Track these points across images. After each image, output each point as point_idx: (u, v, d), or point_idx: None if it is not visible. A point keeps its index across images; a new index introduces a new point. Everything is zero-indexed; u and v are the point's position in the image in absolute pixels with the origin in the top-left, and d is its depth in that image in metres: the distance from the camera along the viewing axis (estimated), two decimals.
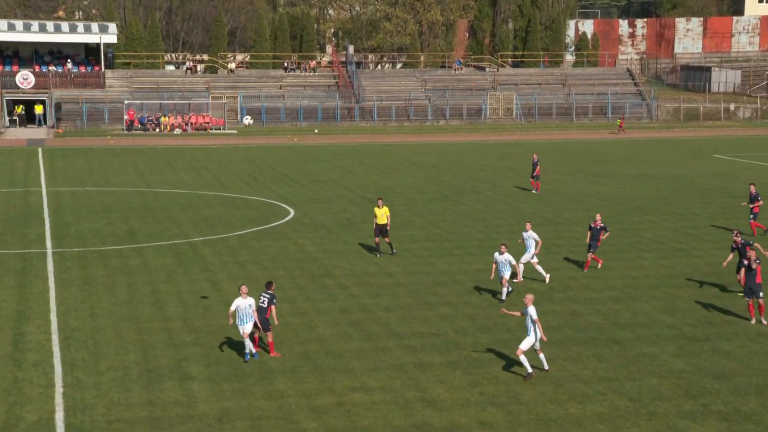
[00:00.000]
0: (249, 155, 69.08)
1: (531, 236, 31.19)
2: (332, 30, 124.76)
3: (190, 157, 67.78)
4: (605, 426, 19.09)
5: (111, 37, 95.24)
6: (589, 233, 32.72)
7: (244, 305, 22.80)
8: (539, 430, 18.93)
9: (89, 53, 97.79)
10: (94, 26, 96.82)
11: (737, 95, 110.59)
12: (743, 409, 19.92)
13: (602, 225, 32.56)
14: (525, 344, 21.73)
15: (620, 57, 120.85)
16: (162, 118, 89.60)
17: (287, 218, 42.57)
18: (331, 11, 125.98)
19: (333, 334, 25.27)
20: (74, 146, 74.12)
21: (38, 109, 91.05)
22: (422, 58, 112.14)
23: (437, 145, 77.50)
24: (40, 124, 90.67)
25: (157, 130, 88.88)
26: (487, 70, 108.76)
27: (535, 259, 31.13)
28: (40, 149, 71.89)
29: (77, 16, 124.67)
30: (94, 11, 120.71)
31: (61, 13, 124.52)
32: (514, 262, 28.63)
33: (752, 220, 38.83)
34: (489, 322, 26.33)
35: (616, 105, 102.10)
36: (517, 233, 38.93)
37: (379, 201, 34.80)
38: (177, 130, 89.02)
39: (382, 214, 34.11)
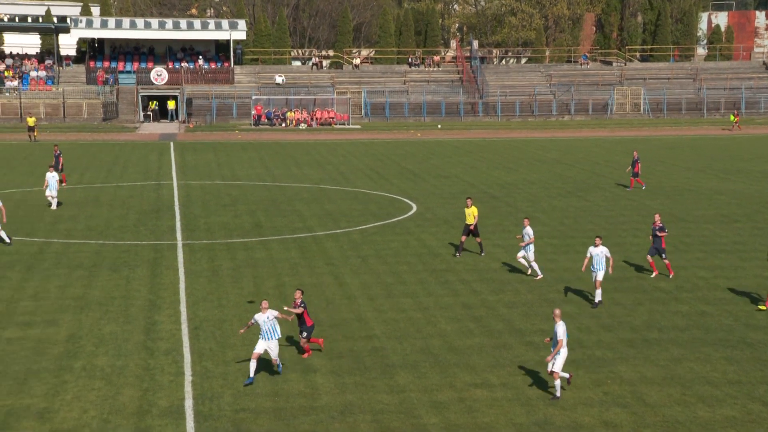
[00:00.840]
0: (372, 150, 69.61)
1: (527, 232, 30.57)
2: (457, 25, 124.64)
3: (314, 151, 68.75)
4: (736, 430, 18.54)
5: (240, 34, 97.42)
6: (651, 236, 31.05)
7: (263, 319, 21.31)
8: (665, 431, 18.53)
9: (219, 50, 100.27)
10: (225, 23, 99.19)
11: None
12: None
13: (661, 225, 30.80)
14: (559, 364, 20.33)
15: (756, 50, 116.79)
16: (288, 114, 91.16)
17: (409, 213, 42.73)
18: (456, 6, 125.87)
19: (455, 330, 25.27)
20: (204, 140, 76.12)
21: (171, 105, 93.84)
22: (547, 53, 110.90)
23: (561, 141, 76.54)
24: (172, 119, 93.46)
25: (283, 125, 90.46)
26: (614, 64, 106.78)
27: (522, 253, 30.79)
28: (171, 143, 74.08)
29: (209, 14, 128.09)
30: (224, 8, 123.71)
31: (193, 10, 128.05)
32: (609, 254, 27.65)
33: None
34: (613, 321, 25.88)
35: (750, 100, 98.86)
36: (642, 230, 38.17)
37: (468, 201, 34.00)
38: (302, 125, 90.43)
39: (470, 214, 33.39)
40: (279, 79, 39.05)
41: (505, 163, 61.15)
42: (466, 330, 25.24)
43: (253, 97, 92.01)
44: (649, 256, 30.78)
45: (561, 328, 20.40)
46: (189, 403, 19.95)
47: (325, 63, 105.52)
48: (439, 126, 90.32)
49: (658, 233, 30.55)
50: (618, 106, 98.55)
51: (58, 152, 49.90)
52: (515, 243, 35.98)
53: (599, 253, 27.37)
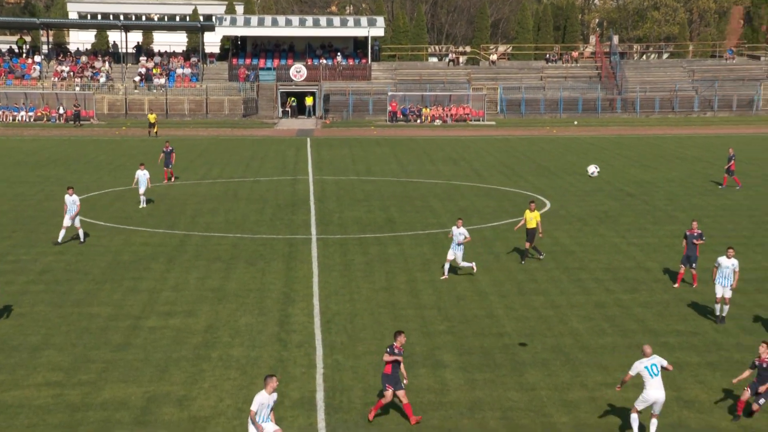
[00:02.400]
0: (507, 146, 69.23)
1: (462, 233, 29.68)
2: (597, 20, 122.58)
3: (448, 147, 68.84)
4: None
5: (378, 31, 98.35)
6: (684, 242, 29.21)
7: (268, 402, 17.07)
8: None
9: (357, 46, 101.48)
10: (363, 20, 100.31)
11: None
12: None
13: (699, 232, 29.02)
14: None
15: None
16: (423, 110, 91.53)
17: (543, 210, 42.33)
18: (596, 1, 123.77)
19: (587, 329, 24.97)
20: (339, 136, 77.22)
21: (308, 101, 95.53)
22: (691, 48, 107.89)
23: (703, 138, 74.38)
24: (309, 115, 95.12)
25: (418, 121, 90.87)
26: (762, 59, 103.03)
27: (452, 252, 29.77)
28: (308, 139, 75.44)
29: (348, 11, 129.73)
30: (363, 5, 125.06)
31: (333, 8, 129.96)
32: (737, 268, 25.21)
33: None
34: (753, 324, 25.09)
35: None
36: None
37: (532, 204, 32.60)
38: (437, 121, 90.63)
39: (532, 218, 32.07)
40: (593, 170, 36.40)
41: (642, 161, 59.86)
42: (599, 329, 24.92)
43: (389, 93, 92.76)
44: (682, 266, 29.04)
45: (658, 359, 18.37)
46: (320, 395, 20.36)
47: (461, 59, 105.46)
48: (576, 122, 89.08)
49: (694, 241, 28.79)
50: (765, 102, 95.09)
51: (170, 148, 51.08)
52: (652, 242, 35.30)
53: (729, 265, 25.16)
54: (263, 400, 16.78)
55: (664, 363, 18.24)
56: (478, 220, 39.90)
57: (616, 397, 20.15)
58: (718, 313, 25.26)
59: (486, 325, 25.31)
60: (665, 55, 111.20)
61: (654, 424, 18.05)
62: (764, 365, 18.84)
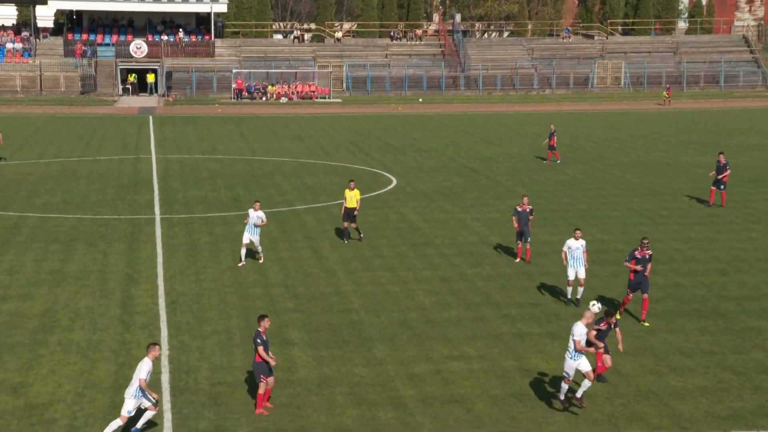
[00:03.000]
0: (353, 124, 69.48)
1: (260, 216, 28.61)
2: None
3: (294, 125, 68.55)
4: (707, 399, 18.74)
5: (221, 7, 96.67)
6: (515, 218, 29.20)
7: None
8: (639, 401, 18.69)
9: (200, 22, 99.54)
10: None
11: None
12: None
13: (530, 208, 29.25)
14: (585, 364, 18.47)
15: (736, 24, 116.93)
16: (269, 87, 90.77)
17: (389, 187, 42.74)
18: None
19: (432, 303, 25.36)
20: (183, 114, 75.74)
21: (150, 78, 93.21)
22: (530, 27, 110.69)
23: (542, 115, 76.59)
24: (151, 93, 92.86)
25: (264, 98, 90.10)
26: (596, 38, 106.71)
27: (248, 236, 28.80)
28: (150, 117, 73.69)
29: None
30: None
31: None
32: (585, 248, 25.01)
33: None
34: (591, 294, 26.01)
35: (729, 73, 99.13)
36: (621, 204, 38.34)
37: (351, 183, 31.85)
38: (283, 98, 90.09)
39: (352, 197, 31.44)
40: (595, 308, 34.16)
41: (485, 137, 61.16)
42: (444, 303, 25.35)
43: (234, 71, 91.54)
44: (518, 241, 29.52)
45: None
46: (165, 377, 19.97)
47: (306, 36, 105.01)
48: (421, 100, 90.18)
49: (528, 219, 29.06)
50: (599, 79, 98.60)
51: None
52: (495, 217, 36.14)
53: (579, 246, 24.91)
54: (150, 367, 17.22)
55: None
56: (325, 198, 39.91)
57: (461, 369, 20.55)
58: (570, 296, 25.17)
59: (334, 302, 25.37)
60: (506, 34, 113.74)
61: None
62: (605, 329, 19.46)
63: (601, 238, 32.49)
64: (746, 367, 20.43)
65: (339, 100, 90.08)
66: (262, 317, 18.85)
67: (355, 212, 31.74)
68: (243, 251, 29.08)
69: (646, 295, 23.53)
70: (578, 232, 25.07)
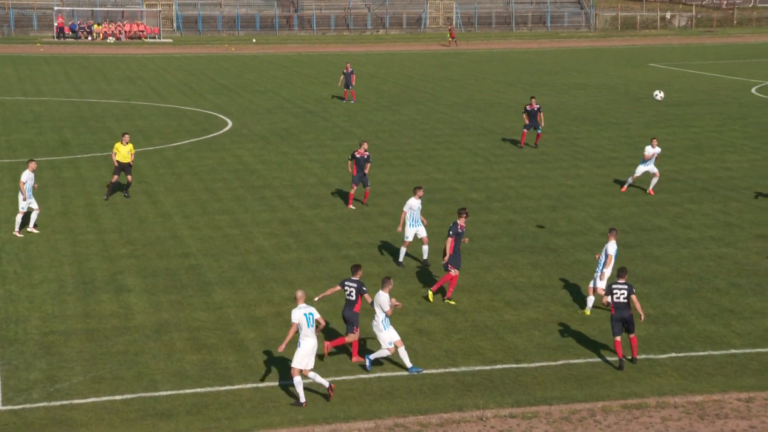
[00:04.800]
0: (185, 65, 67.82)
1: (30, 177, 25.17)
2: None
3: (124, 66, 66.33)
4: (539, 331, 19.46)
5: None
6: (352, 163, 28.53)
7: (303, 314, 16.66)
8: (475, 336, 19.23)
9: None
10: None
11: (673, 3, 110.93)
12: (671, 311, 20.45)
13: (368, 154, 28.54)
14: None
15: None
16: (94, 26, 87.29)
17: (225, 129, 42.07)
18: None
19: (272, 245, 25.24)
20: (1, 54, 71.99)
21: None
22: None
23: (376, 55, 76.83)
24: None
25: (90, 38, 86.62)
26: None
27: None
28: None
29: None
30: None
31: None
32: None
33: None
34: (427, 232, 26.41)
35: (555, 14, 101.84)
36: (455, 143, 39.04)
37: (125, 136, 29.48)
38: (110, 38, 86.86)
39: (128, 152, 29.12)
40: (659, 95, 34.67)
41: (321, 78, 60.88)
42: (284, 245, 25.27)
43: (55, 8, 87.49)
44: (353, 185, 28.80)
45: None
46: None
47: None
48: (254, 40, 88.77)
49: (365, 166, 28.23)
50: (431, 20, 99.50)
51: None
52: (332, 158, 36.16)
53: (419, 205, 23.61)
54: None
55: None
56: (158, 141, 38.93)
57: None
58: (401, 259, 23.72)
59: (170, 247, 24.90)
60: None
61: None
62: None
63: (436, 177, 33.01)
64: (575, 299, 21.30)
65: (170, 41, 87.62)
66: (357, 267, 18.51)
67: (131, 165, 29.34)
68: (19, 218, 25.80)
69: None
70: (420, 191, 23.77)
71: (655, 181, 30.62)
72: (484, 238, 25.92)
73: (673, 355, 18.23)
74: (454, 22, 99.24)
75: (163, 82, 57.78)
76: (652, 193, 30.47)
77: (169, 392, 16.72)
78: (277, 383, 17.14)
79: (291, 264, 23.73)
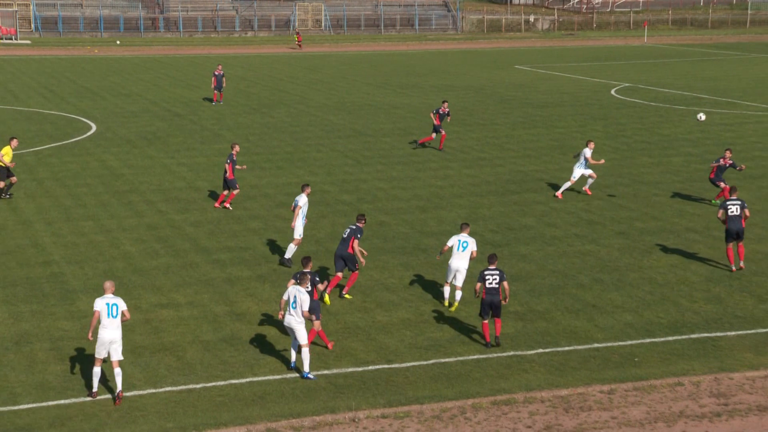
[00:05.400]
0: (45, 67, 65.80)
1: None
2: None
3: None
4: (410, 331, 19.61)
5: None
6: (228, 165, 28.19)
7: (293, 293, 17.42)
8: (347, 338, 19.23)
9: None
10: None
11: (536, 7, 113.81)
12: (537, 308, 20.92)
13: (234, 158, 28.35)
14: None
15: None
16: None
17: (89, 133, 40.99)
18: None
19: (139, 251, 24.71)
20: None
21: None
22: None
23: (245, 58, 76.20)
24: None
25: None
26: None
27: None
28: None
29: None
30: None
31: None
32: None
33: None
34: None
35: (422, 17, 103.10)
36: (326, 145, 39.05)
37: (13, 141, 30.07)
38: None
39: (5, 155, 29.47)
40: (701, 117, 33.87)
41: (188, 81, 60.01)
42: (151, 251, 24.77)
43: None
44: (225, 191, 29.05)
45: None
46: None
47: None
48: (119, 42, 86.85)
49: (238, 167, 28.55)
50: (300, 22, 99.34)
51: None
52: (202, 162, 35.67)
53: (307, 201, 23.85)
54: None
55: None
56: (21, 146, 37.55)
57: (171, 317, 20.23)
58: (289, 255, 23.62)
59: (31, 255, 24.09)
60: None
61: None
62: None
63: (307, 180, 32.86)
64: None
65: (28, 42, 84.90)
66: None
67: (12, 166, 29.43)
68: None
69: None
70: (308, 188, 24.00)
71: (591, 181, 30.96)
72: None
73: (540, 350, 18.64)
74: (323, 25, 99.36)
75: (22, 85, 55.94)
76: (589, 192, 30.94)
77: (30, 405, 16.16)
78: (143, 392, 16.75)
79: (159, 270, 23.27)
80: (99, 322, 16.39)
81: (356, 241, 21.12)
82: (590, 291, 21.99)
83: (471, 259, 20.71)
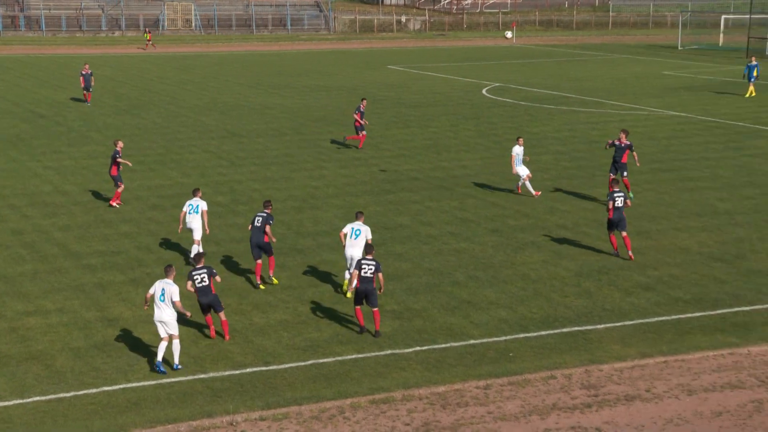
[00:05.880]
0: None
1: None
2: None
3: None
4: (288, 332, 19.50)
5: None
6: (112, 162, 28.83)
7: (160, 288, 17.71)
8: (223, 340, 18.98)
9: None
10: None
11: (408, 8, 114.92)
12: (414, 306, 21.09)
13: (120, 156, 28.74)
14: None
15: None
16: None
17: None
18: None
19: (4, 258, 23.85)
20: None
21: None
22: None
23: (113, 58, 74.48)
24: None
25: None
26: None
27: None
28: None
29: None
30: None
31: None
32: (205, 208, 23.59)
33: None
34: (172, 238, 25.90)
35: (294, 17, 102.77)
36: (199, 146, 38.50)
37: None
38: None
39: None
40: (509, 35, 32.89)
41: (53, 81, 58.28)
42: (17, 257, 23.95)
43: None
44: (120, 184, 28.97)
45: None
46: None
47: None
48: None
49: (119, 159, 28.82)
50: (170, 21, 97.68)
51: None
52: (69, 165, 34.69)
53: (200, 204, 23.62)
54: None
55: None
56: None
57: (39, 324, 19.60)
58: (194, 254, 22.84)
59: None
60: None
61: None
62: None
63: (181, 182, 32.41)
64: (322, 298, 21.51)
65: None
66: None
67: None
68: None
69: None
70: (198, 192, 23.88)
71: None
72: (231, 241, 25.71)
73: (417, 348, 18.80)
74: (193, 25, 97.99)
75: None
76: (520, 191, 31.12)
77: None
78: (9, 403, 16.17)
79: (25, 276, 22.51)
80: None
81: (269, 227, 21.73)
82: (465, 288, 22.30)
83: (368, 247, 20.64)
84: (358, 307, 19.46)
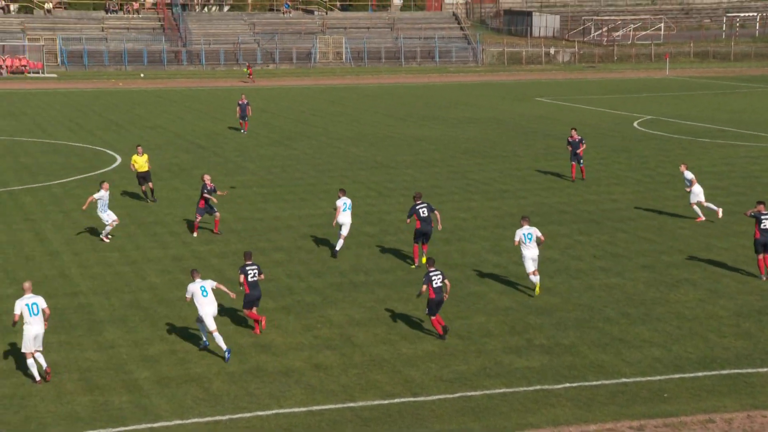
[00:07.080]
0: (71, 100, 66.46)
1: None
2: None
3: (6, 101, 64.62)
4: (435, 364, 19.55)
5: None
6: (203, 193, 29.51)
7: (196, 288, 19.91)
8: (372, 370, 19.21)
9: None
10: None
11: (557, 39, 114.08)
12: (563, 342, 20.80)
13: (213, 186, 29.78)
14: None
15: (446, 1, 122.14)
16: None
17: (114, 165, 41.32)
18: None
19: (164, 282, 24.82)
20: None
21: None
22: (249, 1, 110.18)
23: (268, 90, 76.69)
24: None
25: None
26: (316, 13, 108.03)
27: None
28: None
29: None
30: None
31: None
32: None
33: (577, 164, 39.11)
34: (322, 267, 26.42)
35: (442, 49, 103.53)
36: (348, 177, 39.15)
37: (139, 149, 33.99)
38: None
39: (144, 162, 33.50)
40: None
41: (211, 113, 60.44)
42: (177, 282, 24.86)
43: None
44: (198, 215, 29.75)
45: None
46: None
47: (13, 7, 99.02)
48: (143, 75, 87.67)
49: (215, 192, 29.72)
50: (321, 54, 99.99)
51: None
52: (225, 194, 35.81)
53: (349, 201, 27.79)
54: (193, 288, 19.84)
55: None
56: (44, 178, 37.97)
57: (196, 348, 20.26)
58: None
59: (59, 285, 24.24)
60: (226, 8, 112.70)
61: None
62: None
63: (330, 212, 32.95)
64: (470, 331, 21.49)
65: (54, 75, 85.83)
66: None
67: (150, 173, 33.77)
68: None
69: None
70: (341, 192, 27.73)
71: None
72: (380, 271, 26.02)
73: (567, 385, 18.53)
74: (344, 57, 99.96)
75: (49, 118, 56.50)
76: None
77: None
78: (170, 423, 16.77)
79: (183, 301, 23.23)
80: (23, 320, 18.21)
81: (437, 213, 26.73)
82: (617, 325, 21.87)
83: (539, 244, 23.90)
84: (433, 318, 20.78)
